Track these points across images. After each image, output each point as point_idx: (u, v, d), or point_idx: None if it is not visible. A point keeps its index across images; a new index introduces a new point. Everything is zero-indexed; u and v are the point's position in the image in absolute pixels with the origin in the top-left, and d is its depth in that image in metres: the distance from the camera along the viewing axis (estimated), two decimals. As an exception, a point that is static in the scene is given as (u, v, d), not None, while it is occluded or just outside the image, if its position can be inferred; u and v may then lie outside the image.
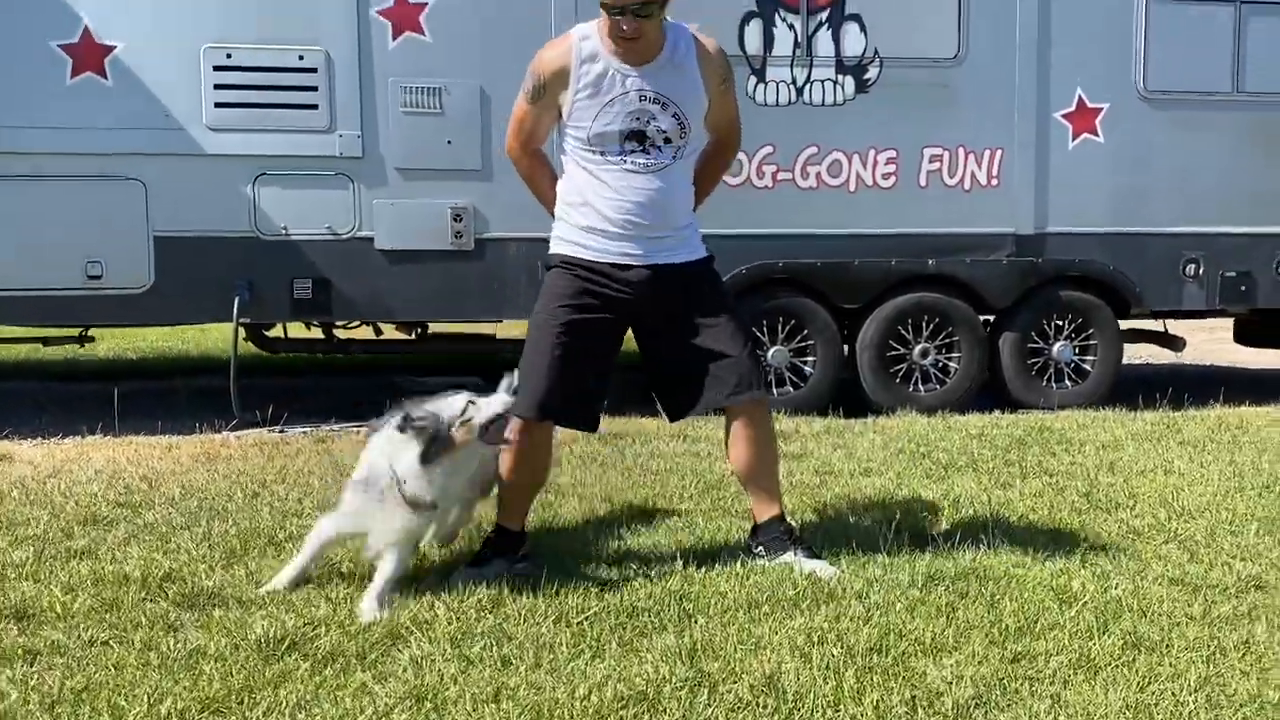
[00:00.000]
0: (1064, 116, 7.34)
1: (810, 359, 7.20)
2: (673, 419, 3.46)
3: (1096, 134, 7.38)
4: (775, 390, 7.10)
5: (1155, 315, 7.91)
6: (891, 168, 7.20)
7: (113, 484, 4.45)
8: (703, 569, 3.12)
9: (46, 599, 2.88)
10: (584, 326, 3.09)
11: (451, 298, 6.89)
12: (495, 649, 2.47)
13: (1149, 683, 2.26)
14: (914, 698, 2.18)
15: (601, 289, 3.11)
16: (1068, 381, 7.51)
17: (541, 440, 3.19)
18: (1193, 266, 7.54)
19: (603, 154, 3.08)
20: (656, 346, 3.22)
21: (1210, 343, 9.84)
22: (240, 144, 6.54)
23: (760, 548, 3.24)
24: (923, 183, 7.23)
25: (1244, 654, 2.44)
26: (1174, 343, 8.01)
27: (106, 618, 2.79)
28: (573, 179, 3.18)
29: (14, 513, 3.94)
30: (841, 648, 2.44)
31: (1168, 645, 2.50)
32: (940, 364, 7.35)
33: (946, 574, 3.05)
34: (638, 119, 3.04)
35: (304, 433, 6.24)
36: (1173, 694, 2.20)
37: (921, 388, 7.32)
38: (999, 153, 7.29)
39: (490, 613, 2.74)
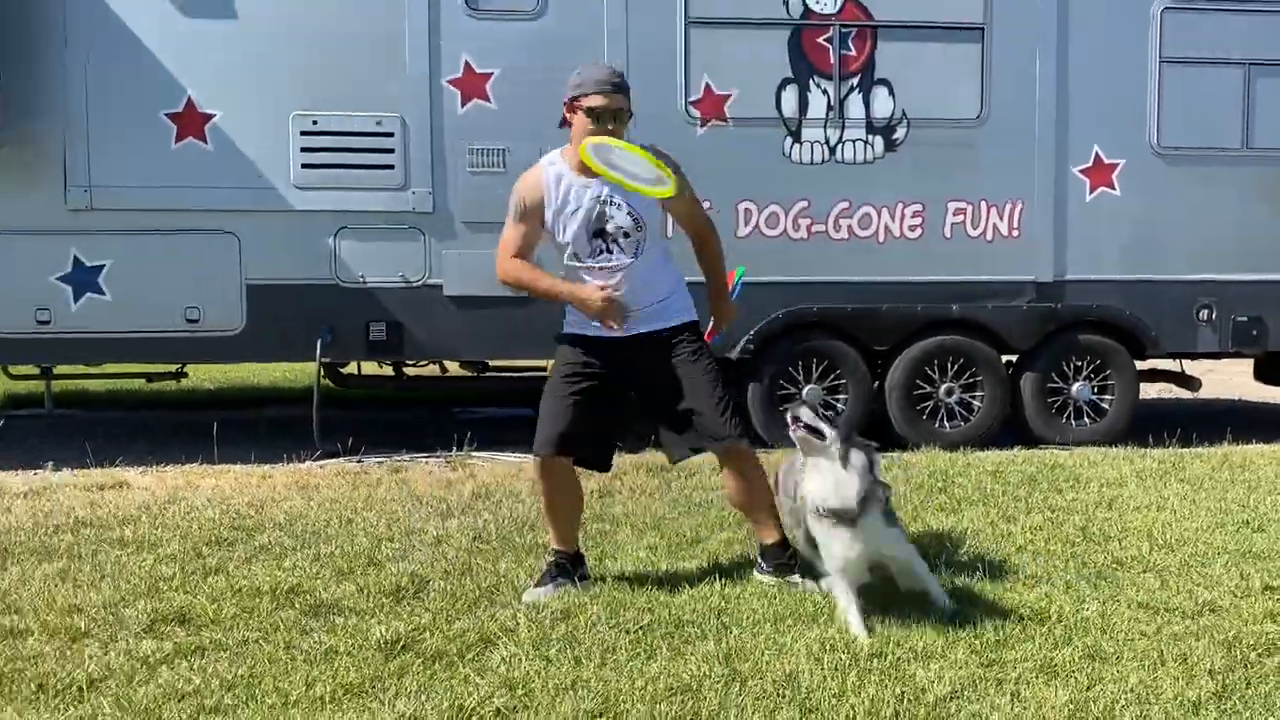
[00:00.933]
0: (1082, 171, 7.85)
1: (842, 397, 7.76)
2: (671, 462, 4.10)
3: (1113, 188, 7.88)
4: (809, 426, 7.66)
5: (1172, 356, 8.38)
6: (918, 220, 7.75)
7: (225, 510, 5.11)
8: (738, 589, 3.70)
9: (199, 607, 3.52)
10: (587, 383, 3.70)
11: (511, 339, 7.53)
12: (569, 651, 3.07)
13: (1093, 684, 2.80)
14: (903, 693, 2.74)
15: (597, 355, 3.73)
16: (1086, 419, 7.99)
17: (564, 472, 3.74)
18: (1206, 311, 7.99)
19: (578, 259, 3.70)
20: (647, 401, 3.84)
21: (1241, 375, 10.21)
22: (324, 201, 7.25)
23: (769, 569, 3.84)
24: (947, 234, 7.77)
25: (1180, 664, 2.97)
26: (1190, 383, 8.45)
27: (250, 622, 3.43)
28: (572, 278, 3.80)
29: (148, 534, 4.60)
30: (848, 654, 3.01)
31: (1118, 656, 3.04)
32: (964, 402, 7.87)
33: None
34: (598, 218, 3.65)
35: (379, 462, 6.90)
36: (1110, 693, 2.74)
37: (947, 424, 7.84)
38: (1020, 205, 7.81)
39: (562, 622, 3.34)
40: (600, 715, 2.63)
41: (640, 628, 3.28)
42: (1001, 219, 7.82)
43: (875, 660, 2.97)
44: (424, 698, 2.73)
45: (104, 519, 4.87)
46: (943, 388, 7.83)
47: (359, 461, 6.99)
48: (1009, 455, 6.76)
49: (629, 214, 3.68)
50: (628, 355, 3.72)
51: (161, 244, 7.15)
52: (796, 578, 3.78)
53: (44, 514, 5.02)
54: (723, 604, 3.53)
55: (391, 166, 7.28)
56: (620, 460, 6.01)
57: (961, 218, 7.78)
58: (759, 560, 3.92)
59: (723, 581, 3.75)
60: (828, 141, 7.69)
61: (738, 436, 3.74)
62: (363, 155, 7.29)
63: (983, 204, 7.79)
